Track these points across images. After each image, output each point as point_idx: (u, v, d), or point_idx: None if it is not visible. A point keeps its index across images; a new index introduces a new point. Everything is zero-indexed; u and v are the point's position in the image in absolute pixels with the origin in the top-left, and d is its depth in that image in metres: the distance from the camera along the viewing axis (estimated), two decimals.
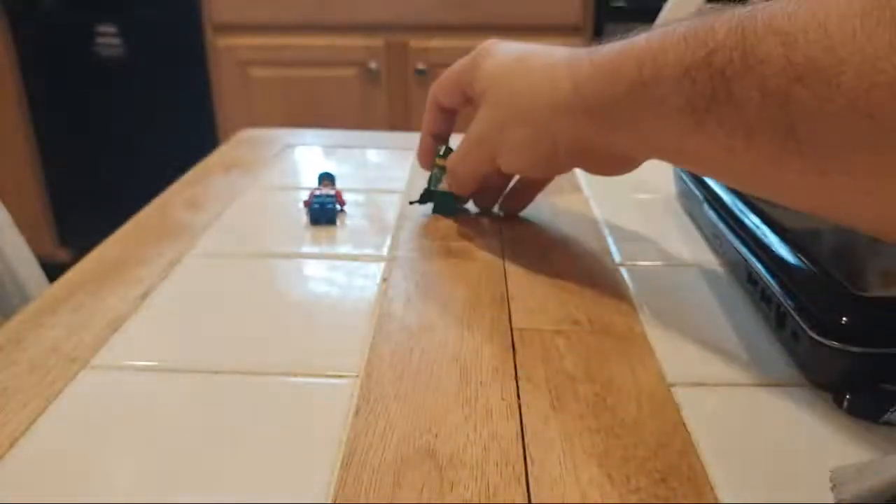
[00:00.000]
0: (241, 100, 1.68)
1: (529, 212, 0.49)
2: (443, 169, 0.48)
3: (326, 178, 0.51)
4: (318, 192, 0.48)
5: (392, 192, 0.53)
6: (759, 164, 0.27)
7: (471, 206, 0.50)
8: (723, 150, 0.28)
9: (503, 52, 0.41)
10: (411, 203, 0.49)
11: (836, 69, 0.22)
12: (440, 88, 0.46)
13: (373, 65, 1.62)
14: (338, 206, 0.48)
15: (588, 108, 0.34)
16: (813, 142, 0.24)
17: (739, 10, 0.26)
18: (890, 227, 0.26)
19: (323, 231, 0.46)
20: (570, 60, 0.36)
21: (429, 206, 0.49)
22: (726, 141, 0.27)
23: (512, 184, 0.48)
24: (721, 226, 0.40)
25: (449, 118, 0.48)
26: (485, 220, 0.48)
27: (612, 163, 0.39)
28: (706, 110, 0.27)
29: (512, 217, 0.49)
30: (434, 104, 0.47)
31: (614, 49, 0.33)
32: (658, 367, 0.32)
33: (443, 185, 0.48)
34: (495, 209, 0.49)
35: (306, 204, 0.48)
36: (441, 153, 0.47)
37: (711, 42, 0.27)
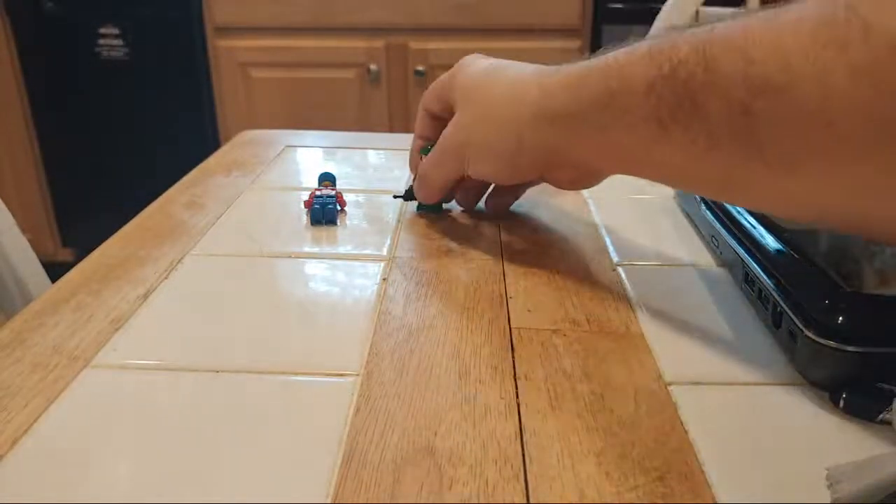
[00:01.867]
0: (242, 101, 1.68)
1: (528, 212, 0.50)
2: None
3: (327, 179, 0.52)
4: (318, 193, 0.49)
5: (392, 192, 0.53)
6: (722, 170, 0.28)
7: (456, 207, 0.50)
8: (688, 158, 0.29)
9: (479, 64, 0.43)
10: (395, 197, 0.50)
11: (791, 83, 0.24)
12: (428, 96, 0.47)
13: (373, 66, 1.63)
14: (338, 207, 0.48)
15: (555, 115, 0.36)
16: (774, 148, 0.25)
17: (701, 29, 0.28)
18: (852, 225, 0.28)
19: (323, 231, 0.47)
20: (540, 72, 0.38)
21: (417, 206, 0.50)
22: (691, 148, 0.28)
23: (492, 187, 0.49)
24: (718, 226, 0.40)
25: (438, 124, 0.48)
26: (484, 221, 0.48)
27: (576, 175, 0.41)
28: (672, 119, 0.29)
29: (511, 217, 0.49)
30: (424, 110, 0.48)
31: (582, 64, 0.35)
32: (655, 366, 0.32)
33: None
34: (481, 205, 0.50)
35: (307, 204, 0.48)
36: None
37: (675, 58, 0.28)
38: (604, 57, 0.33)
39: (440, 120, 0.48)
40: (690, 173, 0.30)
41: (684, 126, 0.28)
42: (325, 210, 0.47)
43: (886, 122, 0.22)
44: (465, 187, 0.48)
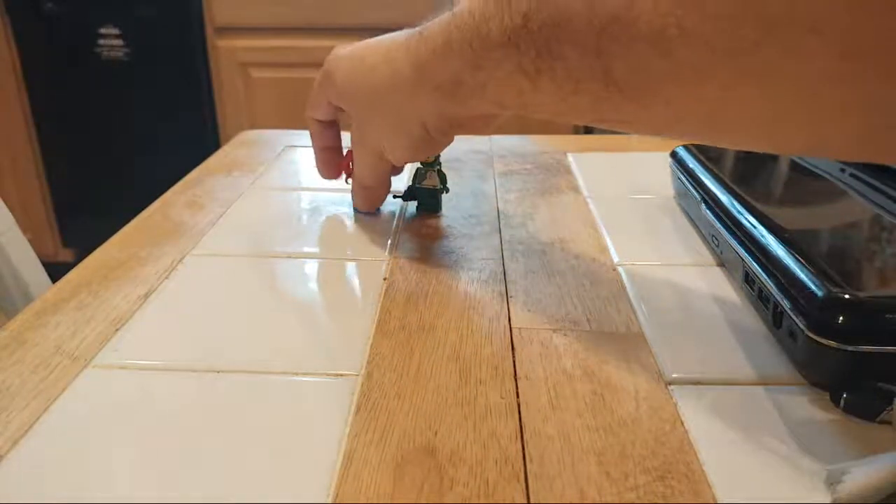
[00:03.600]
0: (243, 101, 1.68)
1: (528, 212, 0.50)
2: (427, 167, 0.48)
3: None
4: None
5: (392, 192, 0.53)
6: (592, 107, 0.30)
7: (455, 207, 0.50)
8: (560, 101, 0.31)
9: (346, 58, 0.43)
10: (395, 197, 0.50)
11: (632, 19, 0.25)
12: (312, 109, 0.47)
13: None
14: None
15: (436, 85, 0.36)
16: (628, 83, 0.27)
17: None
18: (707, 138, 0.31)
19: (323, 231, 0.47)
20: (407, 44, 0.38)
21: (417, 206, 0.50)
22: (560, 93, 0.30)
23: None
24: (719, 226, 0.40)
25: (333, 129, 0.49)
26: (484, 220, 0.48)
27: (480, 123, 0.41)
28: (536, 71, 0.30)
29: (512, 217, 0.49)
30: (314, 123, 0.48)
31: (443, 24, 0.35)
32: (656, 366, 0.32)
33: (427, 183, 0.49)
34: (475, 210, 0.50)
35: (347, 170, 0.49)
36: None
37: (524, 6, 0.29)
38: (462, 11, 0.34)
39: (331, 124, 0.48)
40: (567, 113, 0.32)
41: (549, 75, 0.30)
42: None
43: (716, 44, 0.24)
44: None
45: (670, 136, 0.32)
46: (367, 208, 0.49)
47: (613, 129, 0.32)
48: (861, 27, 0.21)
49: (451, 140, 0.42)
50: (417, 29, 0.38)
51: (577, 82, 0.29)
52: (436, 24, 0.36)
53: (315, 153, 0.49)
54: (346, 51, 0.43)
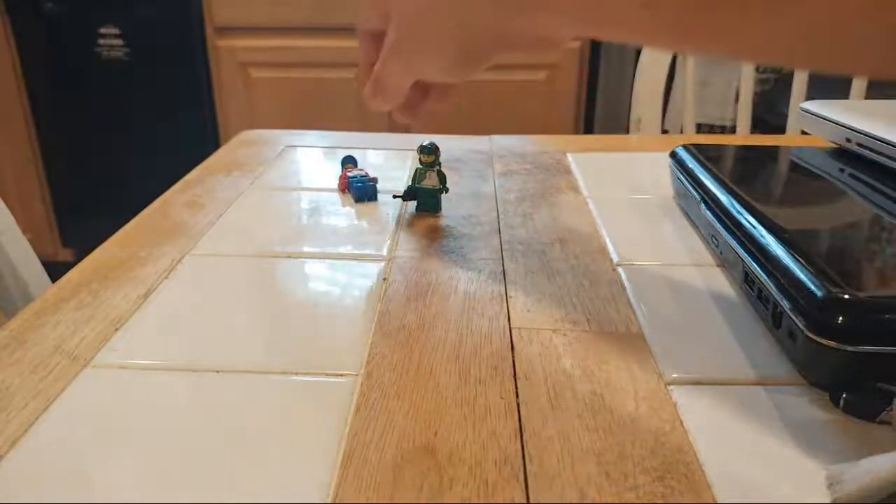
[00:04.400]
0: (242, 101, 1.68)
1: (528, 211, 0.50)
2: (427, 167, 0.48)
3: (350, 162, 0.56)
4: (350, 174, 0.52)
5: (392, 192, 0.53)
6: (680, 16, 0.26)
7: (455, 207, 0.50)
8: (640, 8, 0.27)
9: None
10: (395, 197, 0.50)
11: None
12: (361, 14, 0.42)
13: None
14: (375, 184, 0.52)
15: None
16: None
17: None
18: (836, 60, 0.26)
19: (323, 231, 0.47)
20: None
21: (417, 206, 0.50)
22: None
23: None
24: (718, 226, 0.40)
25: (379, 43, 0.42)
26: (484, 220, 0.48)
27: (533, 46, 0.36)
28: None
29: (512, 217, 0.49)
30: (361, 32, 0.42)
31: None
32: (655, 366, 0.32)
33: (426, 183, 0.49)
34: (475, 211, 0.50)
35: (342, 187, 0.53)
36: (423, 150, 0.48)
37: None
38: None
39: (380, 36, 0.41)
40: (645, 27, 0.28)
41: None
42: (366, 187, 0.52)
43: None
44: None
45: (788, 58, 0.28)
46: (374, 105, 0.42)
47: (700, 50, 0.28)
48: None
49: (493, 59, 0.36)
50: None
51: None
52: None
53: (360, 69, 0.43)
54: None
